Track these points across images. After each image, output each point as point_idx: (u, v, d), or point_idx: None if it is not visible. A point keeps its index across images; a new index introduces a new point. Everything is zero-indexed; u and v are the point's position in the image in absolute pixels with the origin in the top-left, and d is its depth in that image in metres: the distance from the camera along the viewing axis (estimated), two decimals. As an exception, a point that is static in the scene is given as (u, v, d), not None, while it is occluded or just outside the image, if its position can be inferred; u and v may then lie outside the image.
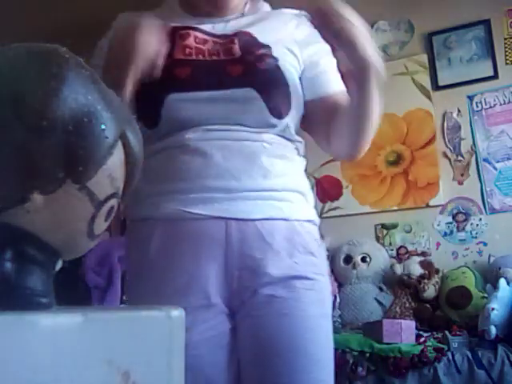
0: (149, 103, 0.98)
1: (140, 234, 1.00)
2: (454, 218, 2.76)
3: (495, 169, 2.72)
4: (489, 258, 2.60)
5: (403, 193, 2.86)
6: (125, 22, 1.03)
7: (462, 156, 2.79)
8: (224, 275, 0.94)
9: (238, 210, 0.95)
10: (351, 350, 2.18)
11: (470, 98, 2.79)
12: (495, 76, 2.76)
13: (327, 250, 2.77)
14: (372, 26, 3.00)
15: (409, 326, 2.20)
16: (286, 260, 0.96)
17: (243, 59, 1.01)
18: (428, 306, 2.47)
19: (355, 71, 0.96)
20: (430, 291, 2.48)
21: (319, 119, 1.07)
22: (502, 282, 2.20)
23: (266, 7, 1.15)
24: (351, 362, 2.15)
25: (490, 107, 2.75)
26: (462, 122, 2.80)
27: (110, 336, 0.45)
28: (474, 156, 2.76)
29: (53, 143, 0.45)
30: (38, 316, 0.41)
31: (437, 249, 2.76)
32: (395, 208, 2.87)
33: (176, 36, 1.03)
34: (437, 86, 2.86)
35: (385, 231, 2.87)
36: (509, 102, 2.73)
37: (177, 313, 0.53)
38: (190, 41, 1.03)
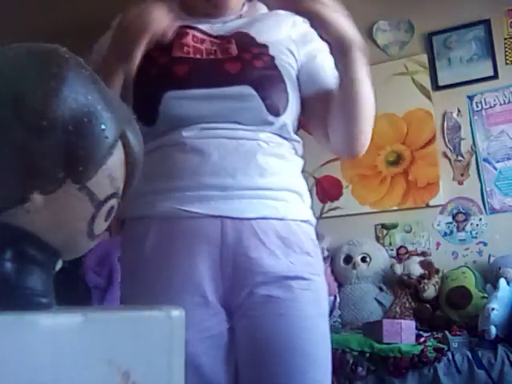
0: (146, 101, 0.99)
1: (135, 232, 0.99)
2: (453, 217, 2.76)
3: (495, 169, 2.72)
4: (489, 258, 2.60)
5: (403, 193, 2.86)
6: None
7: (462, 156, 2.79)
8: (219, 274, 0.94)
9: (234, 209, 0.95)
10: (351, 350, 2.18)
11: (470, 98, 2.79)
12: (495, 76, 2.76)
13: (327, 250, 2.78)
14: (372, 26, 3.00)
15: (409, 325, 2.20)
16: (281, 259, 0.96)
17: (240, 57, 1.01)
18: (428, 306, 2.47)
19: (337, 50, 1.00)
20: (430, 291, 2.48)
21: (317, 114, 1.08)
22: (502, 282, 2.20)
23: (263, 9, 1.15)
24: (351, 362, 2.15)
25: (490, 107, 2.76)
26: (461, 122, 2.80)
27: (110, 336, 0.45)
28: (473, 156, 2.76)
29: (53, 143, 0.45)
30: (38, 316, 0.41)
31: (437, 249, 2.76)
32: (395, 208, 2.87)
33: (174, 34, 1.03)
34: (437, 86, 2.86)
35: (385, 231, 2.87)
36: (509, 101, 2.73)
37: (177, 313, 0.53)
38: (188, 39, 1.03)
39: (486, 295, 2.31)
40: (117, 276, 2.64)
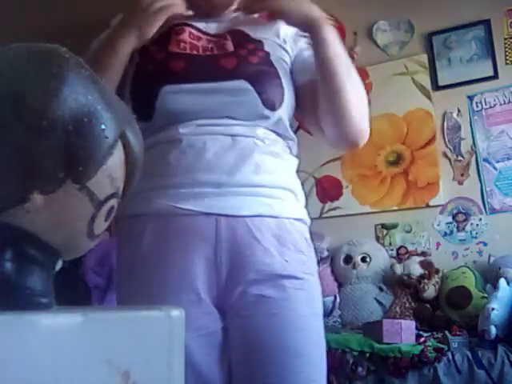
0: (143, 95, 1.00)
1: (131, 230, 0.99)
2: (454, 218, 2.76)
3: (495, 169, 2.71)
4: (489, 258, 2.60)
5: (403, 193, 2.86)
6: None
7: (462, 156, 2.79)
8: (214, 272, 0.94)
9: (228, 206, 0.95)
10: (351, 350, 2.18)
11: (470, 98, 2.79)
12: (495, 76, 2.76)
13: (327, 250, 2.78)
14: (372, 26, 3.00)
15: (409, 326, 2.20)
16: (275, 258, 0.96)
17: (236, 53, 1.03)
18: (428, 306, 2.47)
19: (307, 34, 1.06)
20: (430, 291, 2.48)
21: (309, 106, 1.09)
22: (502, 282, 2.20)
23: None
24: (351, 362, 2.15)
25: (490, 107, 2.75)
26: (462, 122, 2.80)
27: (109, 336, 0.45)
28: (473, 156, 2.76)
29: (53, 143, 0.45)
30: (38, 316, 0.41)
31: (437, 249, 2.76)
32: (395, 208, 2.87)
33: (171, 31, 1.05)
34: (437, 86, 2.86)
35: (385, 231, 2.87)
36: (509, 101, 2.73)
37: (177, 313, 0.53)
38: (185, 36, 1.05)
39: (485, 295, 2.31)
40: (117, 276, 2.63)
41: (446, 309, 2.42)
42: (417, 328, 2.24)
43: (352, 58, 3.00)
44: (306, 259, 1.01)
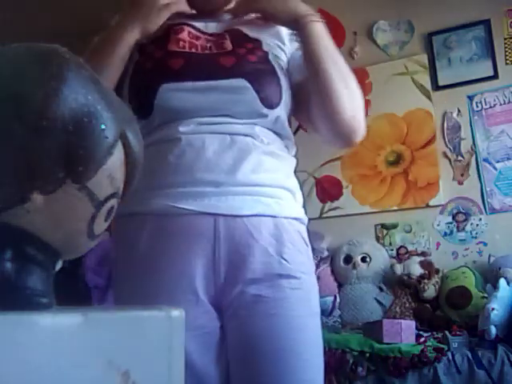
0: (142, 93, 1.00)
1: (129, 229, 0.99)
2: (454, 218, 2.76)
3: (495, 169, 2.72)
4: (489, 258, 2.60)
5: (403, 193, 2.86)
6: None
7: (462, 156, 2.79)
8: (212, 271, 0.94)
9: (227, 206, 0.95)
10: (351, 350, 2.18)
11: (470, 98, 2.79)
12: (495, 76, 2.76)
13: (327, 250, 2.78)
14: (372, 26, 3.00)
15: (409, 325, 2.20)
16: (273, 257, 0.96)
17: (235, 52, 1.04)
18: (428, 306, 2.47)
19: (292, 30, 1.07)
20: (430, 291, 2.48)
21: (304, 102, 1.09)
22: (502, 282, 2.20)
23: None
24: (351, 361, 2.15)
25: (490, 107, 2.76)
26: (461, 122, 2.80)
27: (109, 336, 0.45)
28: (473, 156, 2.76)
29: (53, 143, 0.45)
30: (38, 316, 0.41)
31: (437, 249, 2.76)
32: (395, 208, 2.87)
33: (170, 31, 1.06)
34: (437, 86, 2.86)
35: (385, 231, 2.87)
36: (509, 101, 2.73)
37: (177, 313, 0.53)
38: (184, 35, 1.06)
39: (486, 295, 2.31)
40: (117, 276, 2.63)
41: (445, 309, 2.42)
42: (417, 328, 2.24)
43: (352, 57, 3.01)
44: (304, 258, 1.01)
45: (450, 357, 2.06)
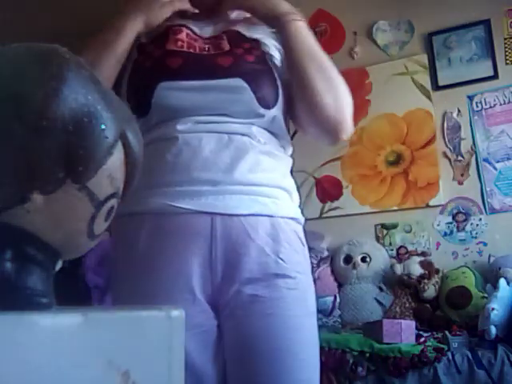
0: (140, 91, 1.00)
1: (127, 229, 0.99)
2: (454, 218, 2.76)
3: (495, 169, 2.71)
4: (489, 258, 2.60)
5: (403, 193, 2.85)
6: None
7: (462, 156, 2.78)
8: (209, 271, 0.95)
9: (224, 205, 0.95)
10: (351, 350, 2.18)
11: (470, 98, 2.79)
12: (495, 76, 2.76)
13: (327, 250, 2.78)
14: (372, 26, 3.00)
15: (409, 325, 2.20)
16: (270, 256, 0.97)
17: (232, 52, 1.05)
18: (428, 306, 2.47)
19: (273, 28, 1.09)
20: (430, 291, 2.48)
21: (292, 98, 1.09)
22: (502, 282, 2.20)
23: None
24: (351, 361, 2.15)
25: (490, 107, 2.75)
26: (461, 122, 2.80)
27: (109, 336, 0.45)
28: (473, 156, 2.76)
29: (53, 143, 0.45)
30: (38, 316, 0.41)
31: (437, 249, 2.76)
32: (395, 208, 2.87)
33: (169, 31, 1.07)
34: (437, 86, 2.86)
35: (385, 231, 2.87)
36: (509, 101, 2.73)
37: (177, 313, 0.53)
38: (183, 35, 1.07)
39: (486, 295, 2.31)
40: (117, 276, 2.63)
41: (445, 309, 2.42)
42: (417, 328, 2.24)
43: (352, 58, 3.02)
44: (300, 258, 1.02)
45: (450, 357, 2.06)
